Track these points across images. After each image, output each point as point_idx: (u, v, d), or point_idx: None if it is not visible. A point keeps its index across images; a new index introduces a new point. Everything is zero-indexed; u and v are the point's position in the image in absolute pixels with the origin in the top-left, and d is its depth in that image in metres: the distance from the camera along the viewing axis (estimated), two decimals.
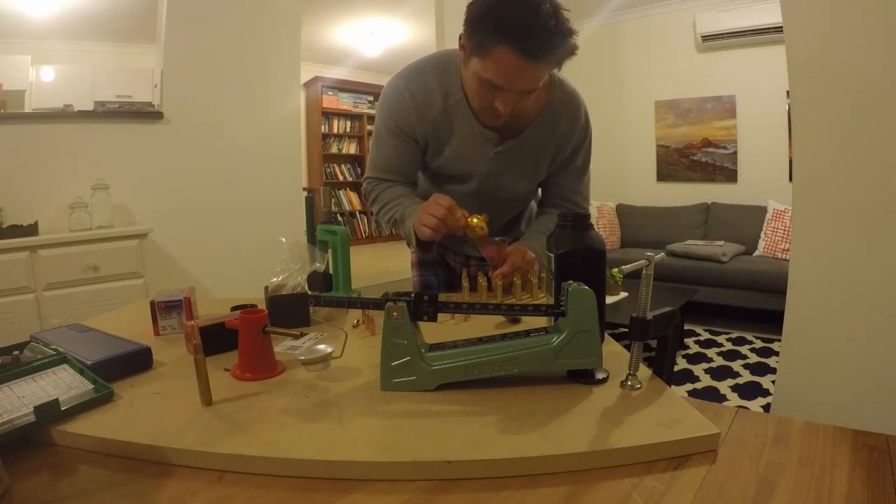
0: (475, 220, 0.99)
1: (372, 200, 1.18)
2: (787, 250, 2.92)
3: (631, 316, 0.66)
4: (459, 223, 0.99)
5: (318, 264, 1.00)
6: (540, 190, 1.27)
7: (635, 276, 0.66)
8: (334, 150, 6.60)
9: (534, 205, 1.32)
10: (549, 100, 1.07)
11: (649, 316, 0.65)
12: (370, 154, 1.18)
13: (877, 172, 1.45)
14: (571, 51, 0.87)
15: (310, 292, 0.96)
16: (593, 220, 0.88)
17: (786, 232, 3.53)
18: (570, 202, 1.19)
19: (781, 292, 1.75)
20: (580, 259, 0.75)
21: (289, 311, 0.92)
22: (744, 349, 3.03)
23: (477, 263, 1.28)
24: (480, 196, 1.16)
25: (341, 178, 6.67)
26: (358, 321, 0.95)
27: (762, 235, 3.70)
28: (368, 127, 6.66)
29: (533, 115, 1.07)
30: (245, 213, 2.87)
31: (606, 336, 0.79)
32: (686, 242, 3.83)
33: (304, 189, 4.16)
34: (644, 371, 0.68)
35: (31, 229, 2.16)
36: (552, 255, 0.77)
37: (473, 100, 1.01)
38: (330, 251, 1.05)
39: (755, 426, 0.59)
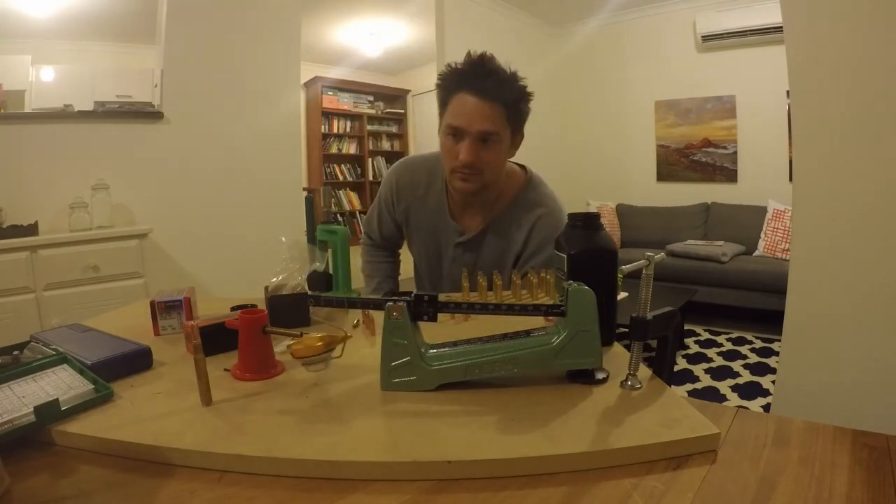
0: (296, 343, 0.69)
1: (361, 253, 1.41)
2: (787, 250, 2.92)
3: (631, 316, 0.66)
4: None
5: (318, 264, 1.00)
6: None
7: (635, 276, 0.67)
8: (334, 150, 6.58)
9: None
10: (515, 197, 1.16)
11: (649, 316, 0.66)
12: (368, 210, 1.37)
13: (876, 172, 1.45)
14: (522, 93, 1.04)
15: (310, 292, 0.96)
16: None
17: (786, 232, 3.52)
18: None
19: (781, 292, 1.75)
20: (592, 259, 0.75)
21: (289, 311, 0.92)
22: (744, 349, 3.03)
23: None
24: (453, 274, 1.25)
25: (341, 178, 6.65)
26: (358, 321, 0.95)
27: (762, 235, 3.70)
28: (368, 127, 6.66)
29: (497, 212, 1.16)
30: (245, 213, 2.86)
31: None
32: (686, 242, 3.82)
33: (304, 189, 4.16)
34: (644, 371, 0.68)
35: (31, 229, 2.15)
36: (564, 256, 0.77)
37: (445, 161, 1.09)
38: (330, 251, 1.05)
39: (755, 426, 0.59)
